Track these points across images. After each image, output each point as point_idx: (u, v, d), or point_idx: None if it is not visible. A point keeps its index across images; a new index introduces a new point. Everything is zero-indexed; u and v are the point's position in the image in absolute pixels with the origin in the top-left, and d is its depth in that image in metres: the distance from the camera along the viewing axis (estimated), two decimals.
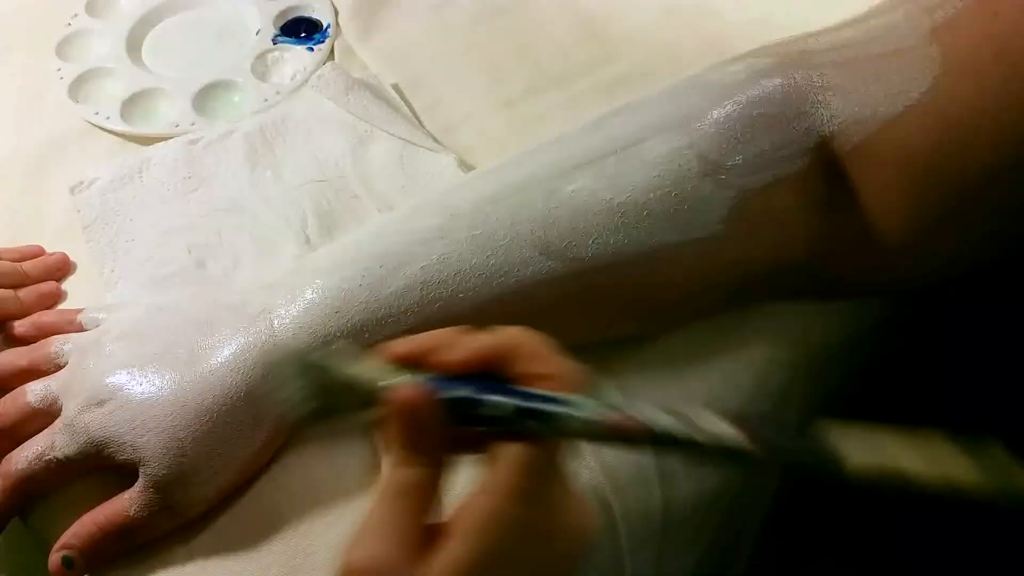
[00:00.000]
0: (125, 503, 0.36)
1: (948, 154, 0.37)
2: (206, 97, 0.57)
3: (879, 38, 0.38)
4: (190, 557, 0.37)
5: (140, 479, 0.36)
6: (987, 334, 0.55)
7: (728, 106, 0.38)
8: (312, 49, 0.60)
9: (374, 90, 0.57)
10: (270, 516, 0.38)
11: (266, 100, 0.56)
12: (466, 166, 0.52)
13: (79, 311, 0.43)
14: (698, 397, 0.42)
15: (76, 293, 0.47)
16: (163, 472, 0.36)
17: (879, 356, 0.54)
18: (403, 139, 0.54)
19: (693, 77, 0.41)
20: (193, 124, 0.55)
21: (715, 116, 0.38)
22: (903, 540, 0.65)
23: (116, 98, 0.57)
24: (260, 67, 0.59)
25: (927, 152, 0.37)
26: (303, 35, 0.61)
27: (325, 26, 0.61)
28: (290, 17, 0.62)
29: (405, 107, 0.56)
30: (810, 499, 0.62)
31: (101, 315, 0.42)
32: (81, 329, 0.42)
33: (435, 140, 0.54)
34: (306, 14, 0.62)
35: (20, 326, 0.44)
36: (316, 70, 0.58)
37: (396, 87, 0.58)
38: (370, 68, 0.60)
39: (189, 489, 0.37)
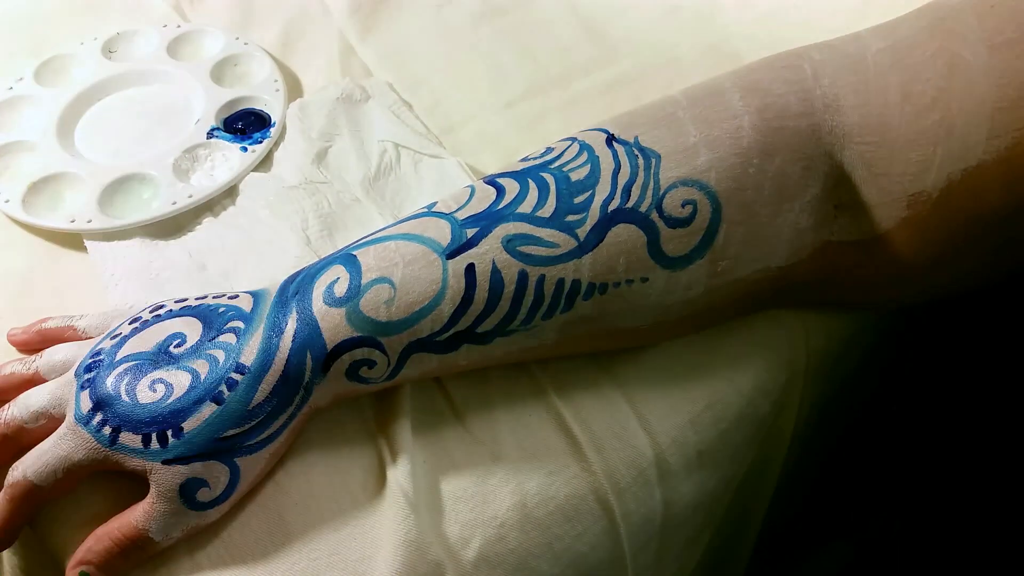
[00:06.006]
0: (138, 515, 0.36)
1: (959, 194, 0.36)
2: (116, 190, 0.51)
3: (900, 61, 0.38)
4: (195, 567, 0.37)
5: (151, 489, 0.36)
6: (985, 334, 0.55)
7: (745, 137, 0.38)
8: (246, 149, 0.54)
9: (378, 95, 0.57)
10: (274, 522, 0.38)
11: (175, 203, 0.50)
12: (469, 168, 0.52)
13: (81, 316, 0.43)
14: (698, 399, 0.42)
15: (77, 295, 0.47)
16: (172, 481, 0.36)
17: (879, 356, 0.54)
18: (406, 146, 0.53)
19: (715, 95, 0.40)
20: (90, 222, 0.49)
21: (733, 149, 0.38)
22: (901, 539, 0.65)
23: (27, 178, 0.52)
24: (185, 162, 0.53)
25: (939, 189, 0.37)
26: (243, 130, 0.55)
27: (270, 123, 0.56)
28: (238, 109, 0.57)
29: (408, 113, 0.56)
30: (810, 498, 0.62)
31: (102, 319, 0.42)
32: (83, 335, 0.42)
33: (439, 142, 0.54)
34: (256, 107, 0.57)
35: (23, 334, 0.43)
36: (243, 174, 0.52)
37: (392, 86, 0.58)
38: (370, 68, 0.60)
39: (200, 497, 0.36)
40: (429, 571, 0.37)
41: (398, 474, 0.39)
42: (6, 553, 0.42)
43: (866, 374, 0.55)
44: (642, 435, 0.41)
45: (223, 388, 0.36)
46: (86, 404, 0.36)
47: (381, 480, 0.39)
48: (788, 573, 0.69)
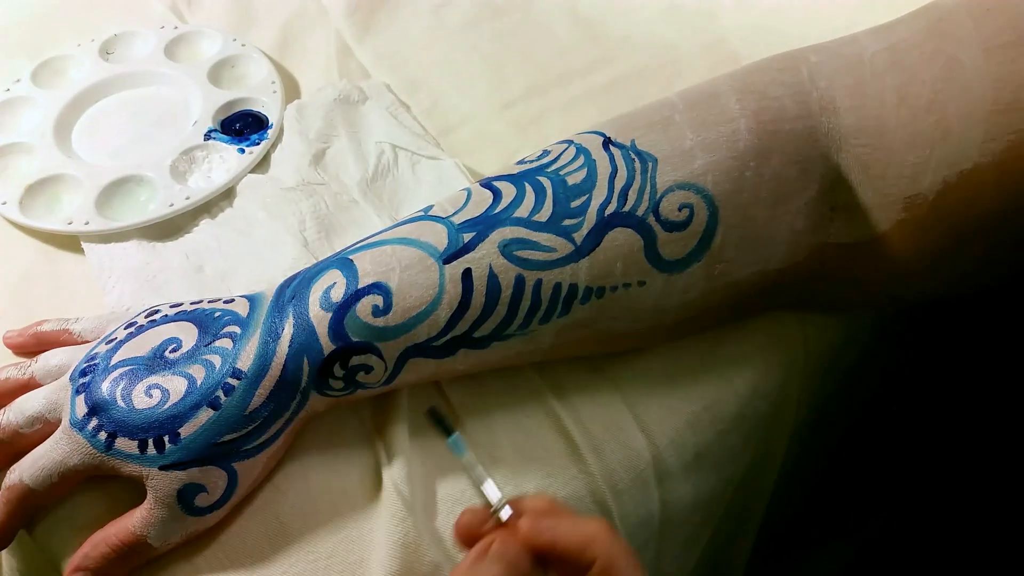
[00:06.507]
0: (136, 521, 0.36)
1: (954, 196, 0.36)
2: (113, 192, 0.51)
3: (896, 64, 0.38)
4: (194, 571, 0.37)
5: (149, 495, 0.36)
6: (984, 334, 0.55)
7: (742, 140, 0.38)
8: (243, 151, 0.53)
9: (376, 96, 0.57)
10: (272, 525, 0.38)
11: (172, 205, 0.50)
12: (467, 169, 0.51)
13: (77, 319, 0.43)
14: (696, 401, 0.42)
15: (74, 297, 0.47)
16: (170, 486, 0.36)
17: (877, 357, 0.54)
18: (403, 147, 0.53)
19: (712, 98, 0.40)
20: (87, 224, 0.49)
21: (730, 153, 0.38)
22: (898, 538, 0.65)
23: (24, 180, 0.52)
24: (183, 164, 0.53)
25: (935, 191, 0.37)
26: (240, 131, 0.55)
27: (268, 125, 0.55)
28: (236, 110, 0.57)
29: (406, 115, 0.56)
30: (809, 498, 0.62)
31: (98, 323, 0.42)
32: (79, 339, 0.42)
33: (437, 144, 0.54)
34: (253, 108, 0.57)
35: (19, 337, 0.43)
36: (240, 175, 0.52)
37: (389, 87, 0.58)
38: (367, 69, 0.60)
39: (198, 503, 0.36)
40: (426, 573, 0.37)
41: (395, 477, 0.38)
42: (5, 557, 0.42)
43: (864, 374, 0.55)
44: (640, 437, 0.41)
45: (220, 393, 0.36)
46: (81, 409, 0.36)
47: (379, 483, 0.39)
48: (788, 573, 0.69)
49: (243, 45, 0.61)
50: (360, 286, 0.37)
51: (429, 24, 0.63)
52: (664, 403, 0.42)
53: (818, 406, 0.50)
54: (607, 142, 0.39)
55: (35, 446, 0.37)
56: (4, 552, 0.41)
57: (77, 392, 0.37)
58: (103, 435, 0.36)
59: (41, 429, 0.37)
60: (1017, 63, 0.35)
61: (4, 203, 0.51)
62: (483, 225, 0.38)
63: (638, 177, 0.38)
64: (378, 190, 0.51)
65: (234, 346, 0.37)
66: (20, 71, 0.59)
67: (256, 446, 0.37)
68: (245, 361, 0.36)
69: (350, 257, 0.38)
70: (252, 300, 0.39)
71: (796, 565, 0.68)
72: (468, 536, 0.33)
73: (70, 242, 0.50)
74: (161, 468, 0.35)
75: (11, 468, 0.37)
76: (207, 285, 0.46)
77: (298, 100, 0.57)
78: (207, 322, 0.38)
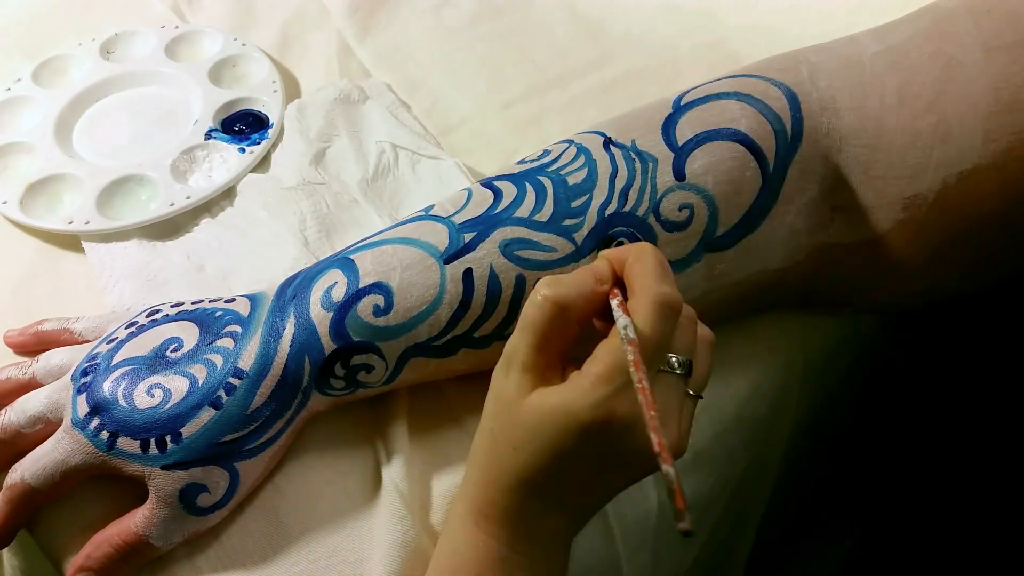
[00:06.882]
0: (138, 521, 0.36)
1: (955, 196, 0.37)
2: (114, 192, 0.51)
3: (897, 64, 0.38)
4: (195, 570, 0.37)
5: (151, 495, 0.36)
6: (982, 335, 0.55)
7: (742, 140, 0.38)
8: (244, 150, 0.53)
9: (376, 96, 0.57)
10: (273, 525, 0.38)
11: (172, 205, 0.50)
12: (467, 169, 0.52)
13: (77, 319, 0.43)
14: None
15: (75, 296, 0.47)
16: (172, 486, 0.36)
17: (876, 358, 0.54)
18: (404, 147, 0.53)
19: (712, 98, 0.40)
20: (87, 223, 0.49)
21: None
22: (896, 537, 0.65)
23: (25, 179, 0.52)
24: (183, 163, 0.53)
25: (934, 191, 0.37)
26: (241, 130, 0.55)
27: (269, 124, 0.55)
28: (237, 109, 0.57)
29: (407, 114, 0.56)
30: (809, 497, 0.62)
31: (99, 322, 0.42)
32: (79, 338, 0.42)
33: (438, 143, 0.54)
34: (254, 108, 0.57)
35: (20, 336, 0.43)
36: (241, 175, 0.52)
37: (390, 87, 0.58)
38: (368, 68, 0.60)
39: (200, 502, 0.36)
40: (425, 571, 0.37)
41: (395, 475, 0.39)
42: (7, 556, 0.42)
43: (863, 375, 0.55)
44: None
45: (221, 393, 0.36)
46: (83, 408, 0.36)
47: (379, 482, 0.39)
48: (788, 572, 0.69)
49: (244, 44, 0.61)
50: (361, 286, 0.37)
51: (429, 24, 0.63)
52: None
53: (817, 407, 0.50)
54: (608, 142, 0.39)
55: (37, 446, 0.37)
56: (6, 551, 0.41)
57: (79, 392, 0.37)
58: (105, 435, 0.36)
59: (43, 429, 0.37)
60: (1018, 63, 0.35)
61: (5, 202, 0.51)
62: (484, 225, 0.38)
63: (639, 177, 0.38)
64: (379, 189, 0.51)
65: (235, 346, 0.37)
66: (21, 71, 0.59)
67: (258, 446, 0.37)
68: (246, 361, 0.36)
69: (351, 257, 0.38)
70: (253, 300, 0.39)
71: (796, 564, 0.68)
72: None
73: (71, 241, 0.50)
74: (163, 468, 0.36)
75: (13, 467, 0.37)
76: (208, 284, 0.46)
77: (299, 99, 0.57)
78: (208, 321, 0.38)
